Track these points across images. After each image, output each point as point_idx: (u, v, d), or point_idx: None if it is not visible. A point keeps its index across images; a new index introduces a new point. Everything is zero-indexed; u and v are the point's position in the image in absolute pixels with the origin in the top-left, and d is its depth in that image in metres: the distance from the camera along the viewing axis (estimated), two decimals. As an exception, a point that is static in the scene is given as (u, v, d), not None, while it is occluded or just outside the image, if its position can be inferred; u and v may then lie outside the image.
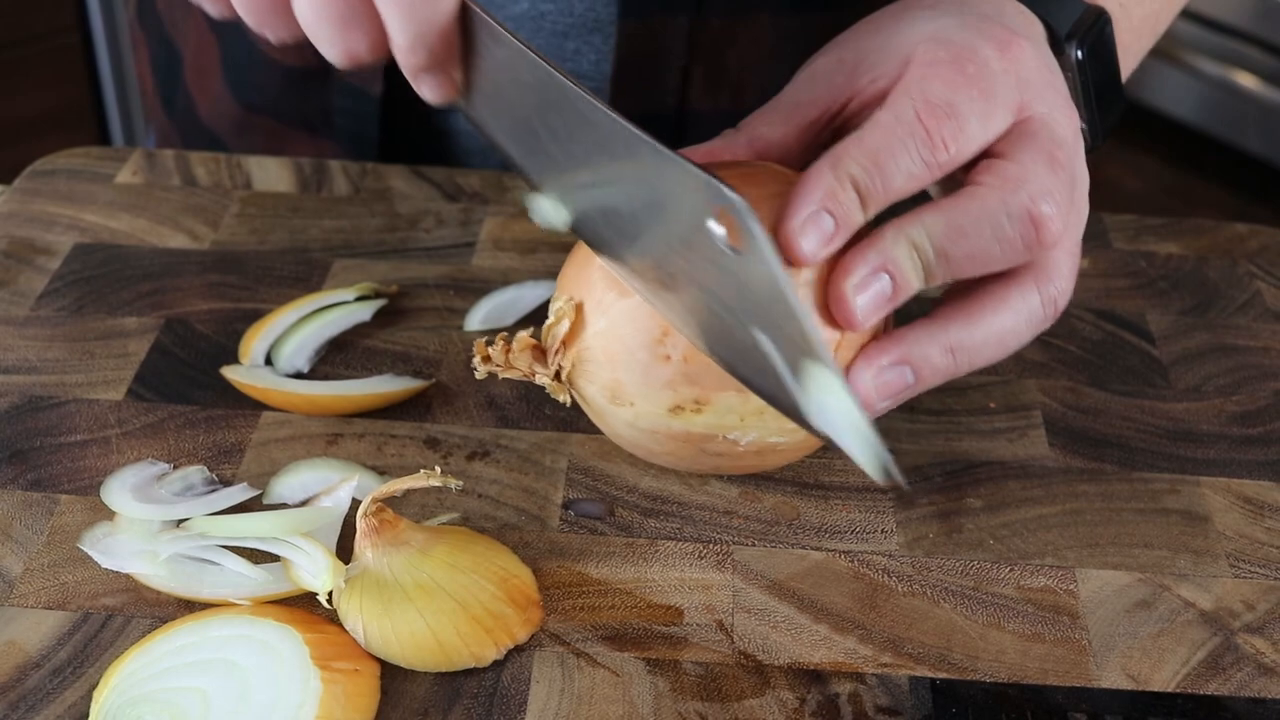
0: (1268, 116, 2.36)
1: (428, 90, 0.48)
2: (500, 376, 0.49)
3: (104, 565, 0.50)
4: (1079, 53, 0.53)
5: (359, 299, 0.63)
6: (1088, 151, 0.53)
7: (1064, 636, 0.50)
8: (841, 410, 0.44)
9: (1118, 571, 0.52)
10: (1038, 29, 0.53)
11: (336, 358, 0.61)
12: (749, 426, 0.47)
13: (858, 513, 0.54)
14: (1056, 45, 0.53)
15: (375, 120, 0.75)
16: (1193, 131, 2.44)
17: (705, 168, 0.42)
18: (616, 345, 0.47)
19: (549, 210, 0.49)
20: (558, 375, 0.49)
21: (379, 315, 0.63)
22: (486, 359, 0.49)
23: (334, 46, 0.46)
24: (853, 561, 0.52)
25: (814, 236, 0.46)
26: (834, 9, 0.72)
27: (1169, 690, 0.48)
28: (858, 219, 0.46)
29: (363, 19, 0.45)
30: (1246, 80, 2.37)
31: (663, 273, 0.46)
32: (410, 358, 0.61)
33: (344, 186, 0.72)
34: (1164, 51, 2.34)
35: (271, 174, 0.73)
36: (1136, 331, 0.65)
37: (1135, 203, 2.25)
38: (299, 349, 0.60)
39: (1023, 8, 0.53)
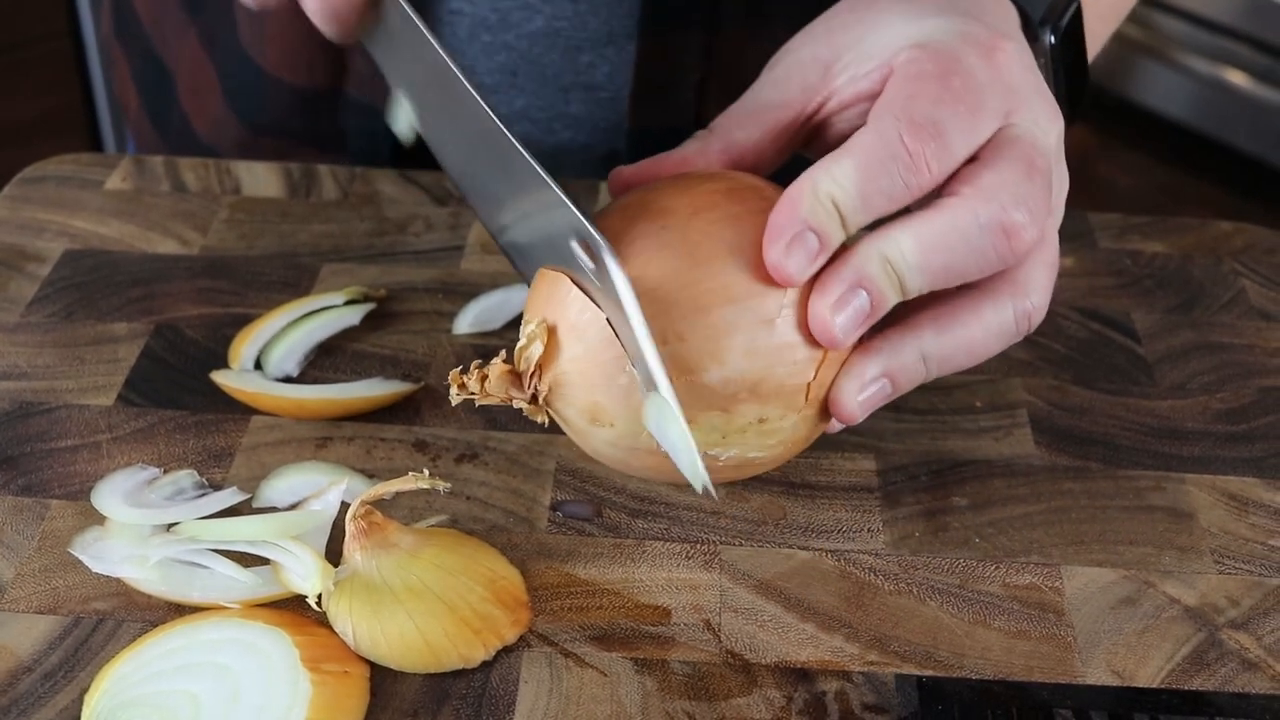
0: (1258, 114, 2.37)
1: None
2: (477, 404, 0.49)
3: (95, 570, 0.51)
4: (1052, 38, 0.53)
5: (348, 303, 0.63)
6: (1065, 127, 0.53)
7: (1049, 633, 0.50)
8: (678, 436, 0.45)
9: (1103, 568, 0.53)
10: (1014, 17, 0.53)
11: (325, 362, 0.61)
12: (730, 444, 0.47)
13: (844, 512, 0.55)
14: (1029, 30, 0.53)
15: (387, 137, 0.75)
16: (1183, 129, 2.44)
17: (576, 199, 0.45)
18: (594, 370, 0.47)
19: (404, 119, 0.53)
20: (534, 399, 0.49)
21: (368, 319, 0.63)
22: (462, 387, 0.49)
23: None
24: (839, 560, 0.53)
25: (800, 256, 0.46)
26: None
27: (1154, 686, 0.48)
28: (838, 238, 0.47)
29: None
30: (1237, 78, 2.38)
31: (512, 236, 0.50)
32: (399, 361, 0.61)
33: (332, 191, 0.72)
34: (1154, 49, 2.34)
35: (260, 179, 0.73)
36: (1122, 330, 0.65)
37: (1126, 201, 2.26)
38: (288, 353, 0.61)
39: None
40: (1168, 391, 0.62)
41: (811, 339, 0.47)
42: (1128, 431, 0.59)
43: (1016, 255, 0.47)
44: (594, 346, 0.47)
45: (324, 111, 0.77)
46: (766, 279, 0.46)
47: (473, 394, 0.49)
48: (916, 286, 0.47)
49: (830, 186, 0.46)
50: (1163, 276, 0.69)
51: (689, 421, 0.45)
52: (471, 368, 0.49)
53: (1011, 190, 0.46)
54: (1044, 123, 0.49)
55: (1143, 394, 0.61)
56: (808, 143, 0.53)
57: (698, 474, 0.46)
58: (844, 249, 0.47)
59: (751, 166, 0.52)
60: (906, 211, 0.48)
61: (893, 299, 0.47)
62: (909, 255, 0.46)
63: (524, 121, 0.77)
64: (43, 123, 1.99)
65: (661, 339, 0.46)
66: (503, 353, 0.49)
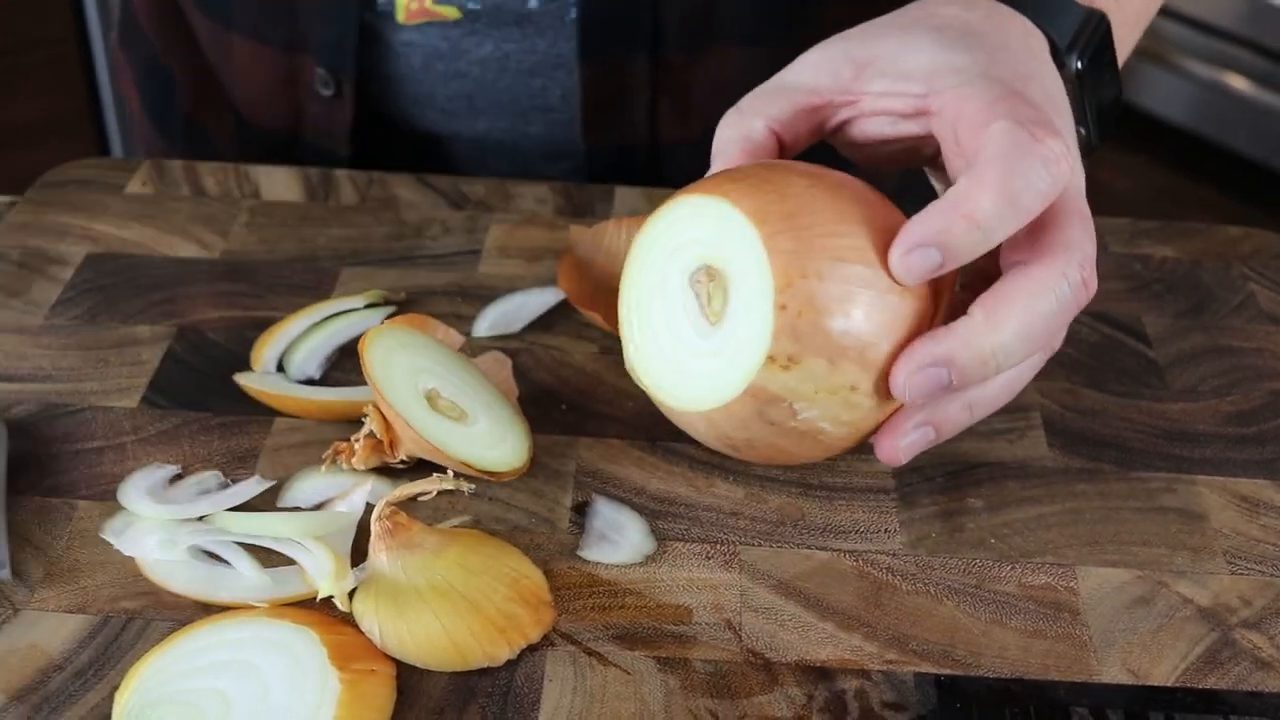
0: (1258, 118, 2.37)
1: None
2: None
3: (125, 552, 0.52)
4: (1079, 63, 0.54)
5: (368, 306, 0.64)
6: (1085, 156, 0.54)
7: (1065, 633, 0.51)
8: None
9: (1117, 569, 0.53)
10: (1041, 46, 0.53)
11: (347, 364, 0.62)
12: (817, 402, 0.48)
13: (861, 513, 0.55)
14: (1057, 55, 0.54)
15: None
16: (1184, 133, 2.45)
17: None
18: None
19: None
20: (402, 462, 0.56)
21: (391, 319, 0.64)
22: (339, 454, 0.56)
23: None
24: (857, 561, 0.53)
25: (918, 267, 0.47)
26: (792, 41, 0.74)
27: (1169, 684, 0.49)
28: (969, 255, 0.47)
29: None
30: (1237, 82, 2.38)
31: None
32: (419, 364, 0.62)
33: (351, 195, 0.73)
34: (1154, 54, 2.35)
35: (279, 183, 0.74)
36: (1133, 334, 0.66)
37: (1126, 205, 2.26)
38: (310, 356, 0.61)
39: (1026, 23, 0.53)
40: (1179, 394, 0.62)
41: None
42: (1140, 434, 0.60)
43: (1084, 306, 0.48)
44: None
45: (289, 155, 0.79)
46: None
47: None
48: (1018, 360, 0.48)
49: (969, 204, 0.46)
50: (1173, 281, 0.70)
51: (795, 361, 0.46)
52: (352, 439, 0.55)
53: (1079, 244, 0.47)
54: (1075, 160, 0.49)
55: (1154, 397, 0.62)
56: (832, 135, 0.54)
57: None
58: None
59: (789, 143, 0.53)
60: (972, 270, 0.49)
61: (982, 381, 0.48)
62: (1014, 332, 0.47)
63: (488, 142, 0.79)
64: (50, 124, 2.00)
65: (801, 273, 0.47)
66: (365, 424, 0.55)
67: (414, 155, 0.78)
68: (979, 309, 0.47)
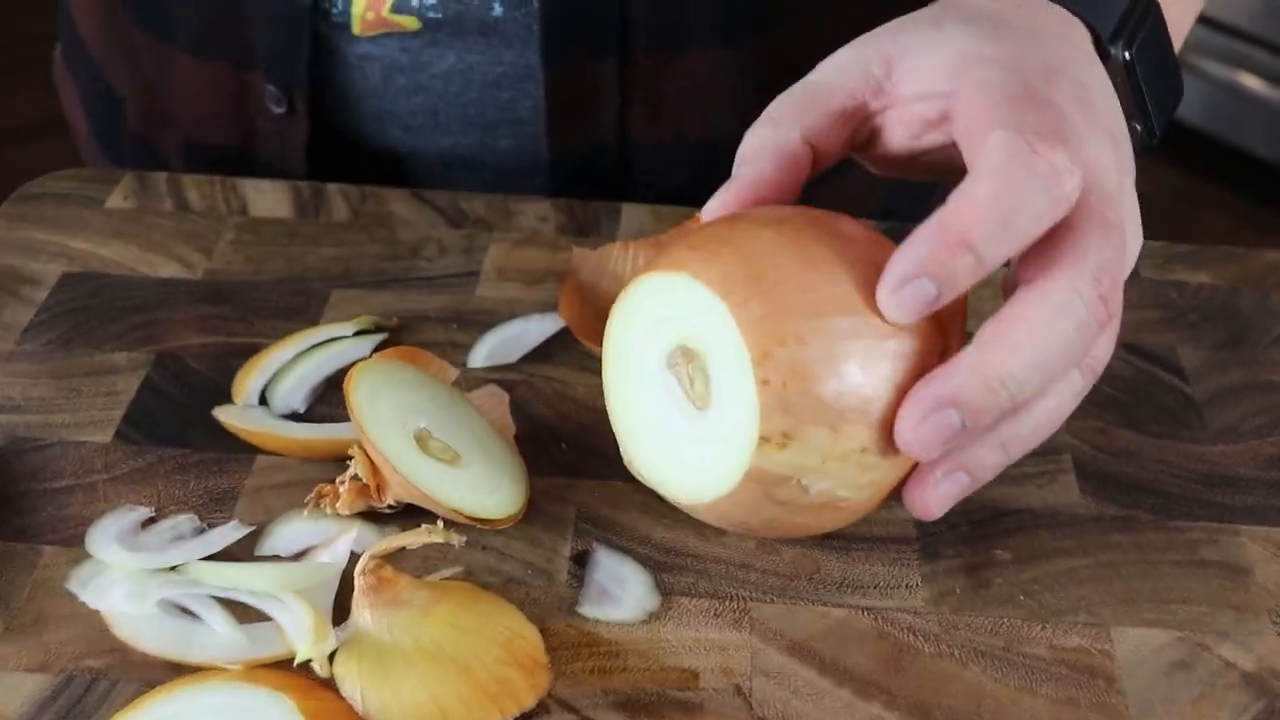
0: (1273, 119, 2.34)
1: None
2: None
3: (91, 605, 0.48)
4: (1126, 53, 0.50)
5: (358, 333, 0.61)
6: (1145, 151, 0.50)
7: (1099, 701, 0.47)
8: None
9: (1154, 629, 0.50)
10: (1081, 37, 0.49)
11: (334, 397, 0.58)
12: (827, 472, 0.44)
13: (881, 565, 0.52)
14: (1101, 47, 0.50)
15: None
16: (1198, 134, 2.41)
17: None
18: None
19: None
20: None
21: (378, 350, 0.60)
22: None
23: None
24: (876, 619, 0.50)
25: (910, 304, 0.43)
26: (762, 43, 0.70)
27: (1212, 761, 0.45)
28: (966, 283, 0.43)
29: None
30: (1252, 82, 2.35)
31: None
32: (411, 396, 0.58)
33: (343, 212, 0.69)
34: (1172, 54, 2.31)
35: (268, 198, 0.70)
36: (1168, 368, 0.62)
37: (1143, 209, 2.23)
38: (295, 388, 0.58)
39: (1064, 12, 0.50)
40: (1218, 435, 0.59)
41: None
42: (1178, 479, 0.56)
43: (1109, 324, 0.44)
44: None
45: (243, 172, 0.75)
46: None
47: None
48: (1034, 389, 0.44)
49: (963, 225, 0.42)
50: (1209, 310, 0.66)
51: (791, 438, 0.43)
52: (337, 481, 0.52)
53: (1097, 257, 0.43)
54: (1105, 162, 0.45)
55: (1192, 438, 0.58)
56: (861, 147, 0.50)
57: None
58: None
59: (822, 153, 0.49)
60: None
61: (999, 415, 0.44)
62: (1025, 359, 0.43)
63: (454, 159, 0.74)
64: (49, 124, 1.96)
65: (778, 340, 0.43)
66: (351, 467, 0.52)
67: (377, 175, 0.74)
68: (980, 335, 0.43)
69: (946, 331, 0.45)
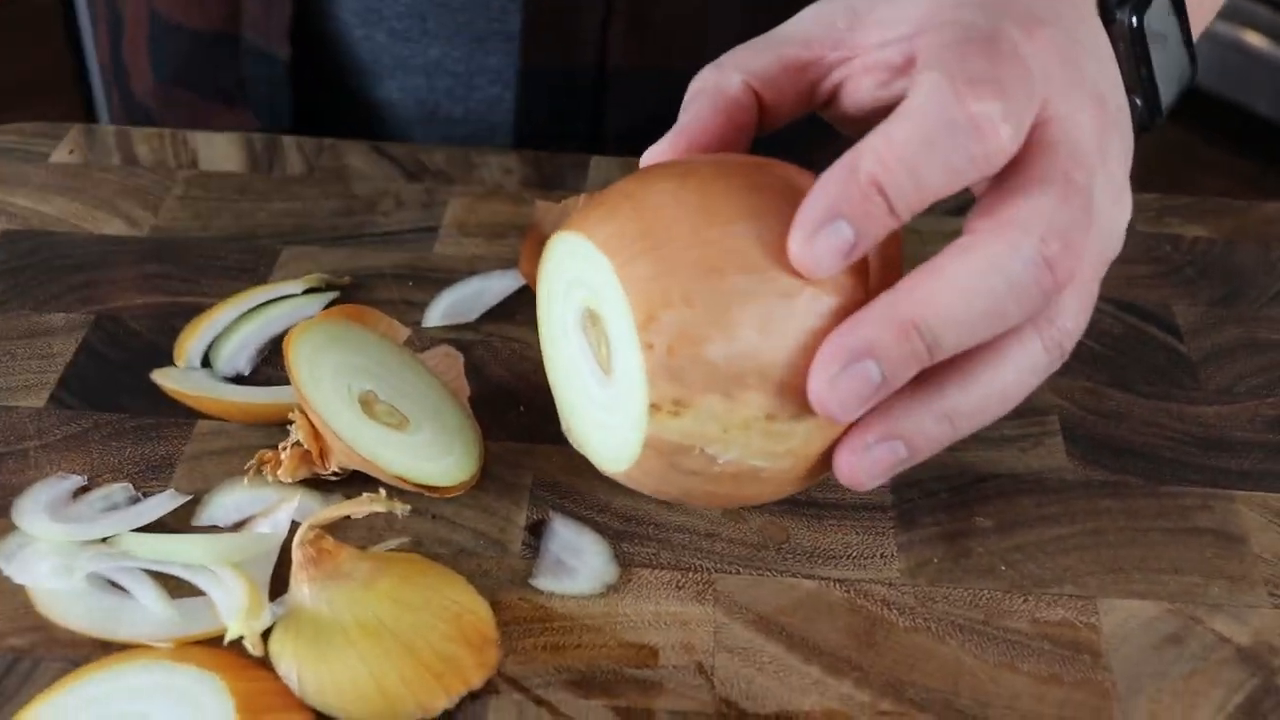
0: (1277, 77, 2.30)
1: None
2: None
3: (16, 580, 0.46)
4: (1133, 19, 0.46)
5: (307, 292, 0.58)
6: (1147, 131, 0.47)
7: (1085, 678, 0.44)
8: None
9: (1144, 601, 0.47)
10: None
11: (281, 359, 0.55)
12: (731, 443, 0.41)
13: (854, 534, 0.49)
14: (1105, 13, 0.46)
15: (286, 87, 0.70)
16: (1200, 92, 2.37)
17: None
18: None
19: None
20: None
21: (329, 310, 0.57)
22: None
23: None
24: (849, 591, 0.47)
25: (826, 249, 0.39)
26: None
27: (1203, 741, 0.43)
28: (882, 229, 0.39)
29: None
30: (1255, 39, 2.31)
31: None
32: (363, 358, 0.55)
33: (298, 165, 0.66)
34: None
35: (219, 151, 0.67)
36: (1161, 325, 0.59)
37: (1136, 163, 2.19)
38: (239, 349, 0.55)
39: None
40: (1214, 396, 0.56)
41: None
42: (1170, 442, 0.53)
43: (1058, 291, 0.40)
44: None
45: (223, 60, 0.72)
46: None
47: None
48: (953, 344, 0.40)
49: (872, 165, 0.38)
50: (1205, 264, 0.63)
51: (686, 406, 0.39)
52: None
53: (1049, 216, 0.39)
54: (1083, 118, 0.41)
55: (1186, 398, 0.55)
56: (826, 103, 0.47)
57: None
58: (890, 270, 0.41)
59: (771, 103, 0.45)
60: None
61: (917, 367, 0.40)
62: (943, 309, 0.39)
63: (443, 75, 0.70)
64: (34, 85, 1.93)
65: (664, 301, 0.40)
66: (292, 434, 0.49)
67: (358, 85, 0.70)
68: (900, 283, 0.39)
69: (873, 291, 0.42)
